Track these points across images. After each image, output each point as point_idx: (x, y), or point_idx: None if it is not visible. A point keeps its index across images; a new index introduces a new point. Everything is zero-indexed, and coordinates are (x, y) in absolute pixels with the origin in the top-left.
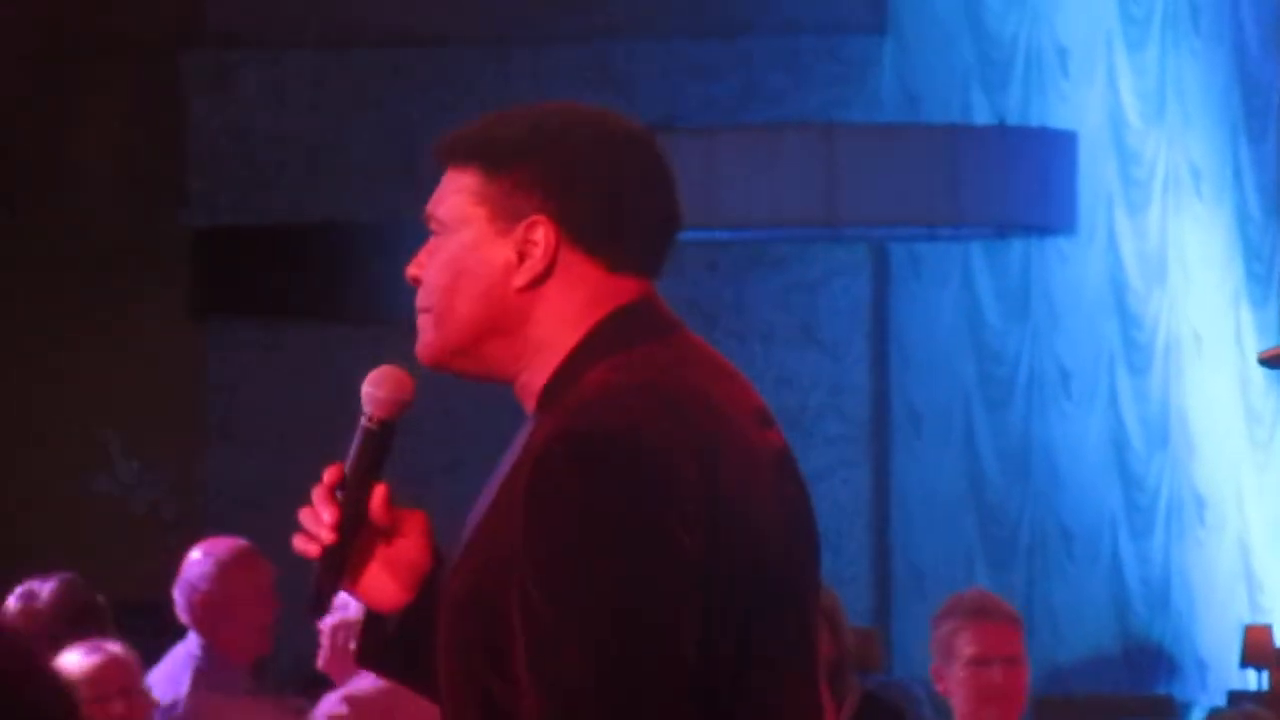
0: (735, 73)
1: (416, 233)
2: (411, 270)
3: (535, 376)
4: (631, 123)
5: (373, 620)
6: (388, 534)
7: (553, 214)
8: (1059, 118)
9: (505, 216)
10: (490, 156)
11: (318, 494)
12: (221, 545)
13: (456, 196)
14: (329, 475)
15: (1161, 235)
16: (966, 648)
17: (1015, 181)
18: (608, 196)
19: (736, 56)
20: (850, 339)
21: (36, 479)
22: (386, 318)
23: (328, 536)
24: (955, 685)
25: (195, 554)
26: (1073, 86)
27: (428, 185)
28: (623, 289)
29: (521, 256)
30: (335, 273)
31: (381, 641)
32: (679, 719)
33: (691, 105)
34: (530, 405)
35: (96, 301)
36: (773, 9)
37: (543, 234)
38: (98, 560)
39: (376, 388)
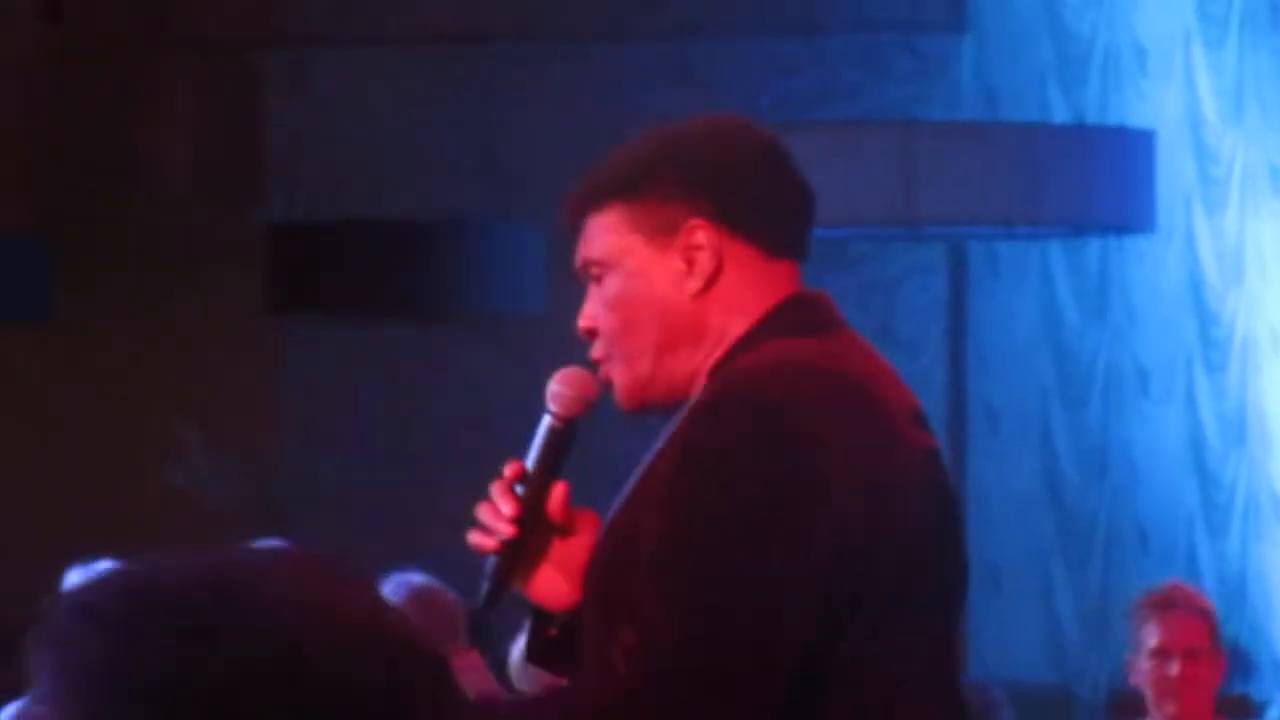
0: (812, 69)
1: (495, 230)
2: (584, 323)
3: (705, 365)
4: (743, 117)
5: (540, 617)
6: (562, 532)
7: (706, 213)
8: (1137, 116)
9: (661, 232)
10: (626, 185)
11: (498, 488)
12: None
13: (607, 234)
14: (510, 470)
15: (1239, 234)
16: (1149, 639)
17: (1093, 180)
18: (752, 182)
19: (814, 53)
20: (928, 337)
21: (114, 471)
22: (465, 315)
23: (507, 530)
24: (1141, 678)
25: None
26: (1151, 85)
27: (505, 182)
28: (786, 274)
29: (689, 263)
30: (412, 270)
31: (548, 639)
32: (762, 691)
33: (768, 102)
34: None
35: (174, 297)
36: (851, 6)
37: (703, 235)
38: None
39: (564, 386)
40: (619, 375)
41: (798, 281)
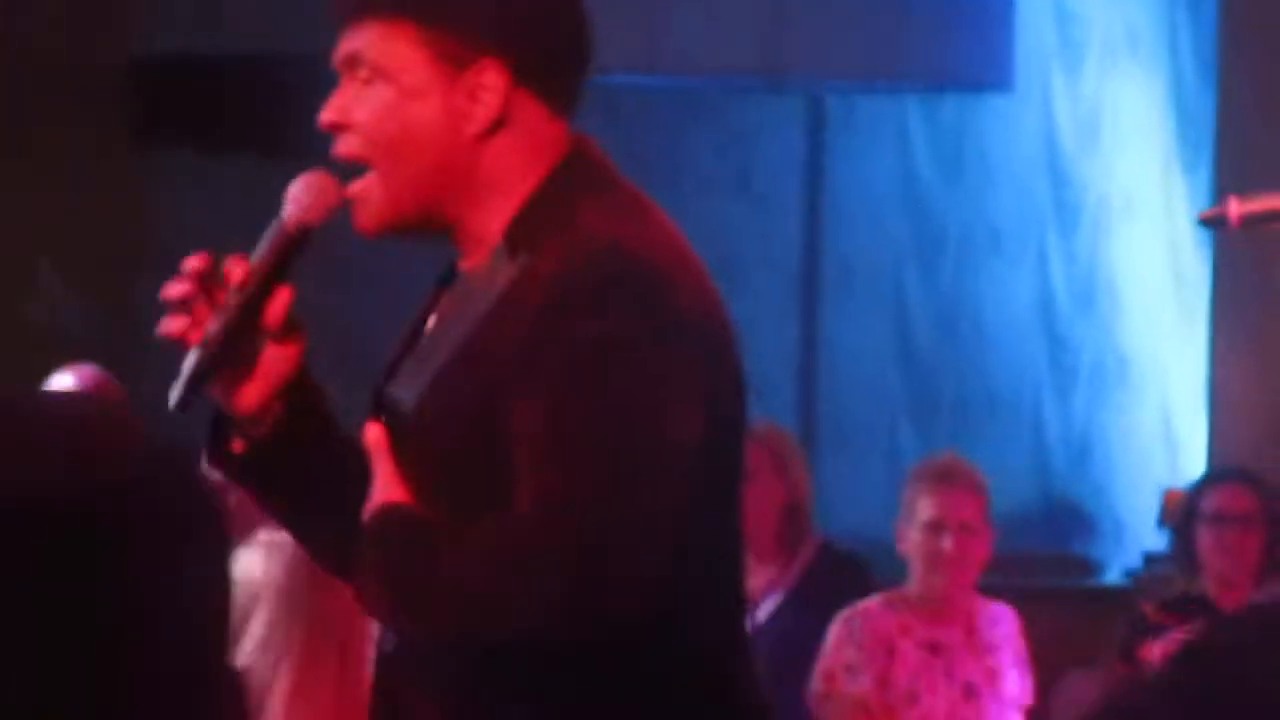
0: None
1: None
2: (332, 116)
3: (486, 218)
4: None
5: (224, 425)
6: (271, 339)
7: (503, 56)
8: None
9: (452, 61)
10: (425, 3)
11: (215, 279)
12: (82, 373)
13: (392, 43)
14: (236, 268)
15: (1096, 97)
16: (923, 512)
17: (953, 36)
18: (556, 36)
19: None
20: (784, 192)
21: None
22: (323, 152)
23: (215, 331)
24: (912, 548)
25: (61, 379)
26: None
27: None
28: (562, 133)
29: (472, 102)
30: (274, 105)
31: (229, 452)
32: (670, 529)
33: None
34: (478, 246)
35: (34, 128)
36: None
37: (493, 77)
38: (28, 384)
39: (304, 191)
40: (374, 194)
41: (580, 141)
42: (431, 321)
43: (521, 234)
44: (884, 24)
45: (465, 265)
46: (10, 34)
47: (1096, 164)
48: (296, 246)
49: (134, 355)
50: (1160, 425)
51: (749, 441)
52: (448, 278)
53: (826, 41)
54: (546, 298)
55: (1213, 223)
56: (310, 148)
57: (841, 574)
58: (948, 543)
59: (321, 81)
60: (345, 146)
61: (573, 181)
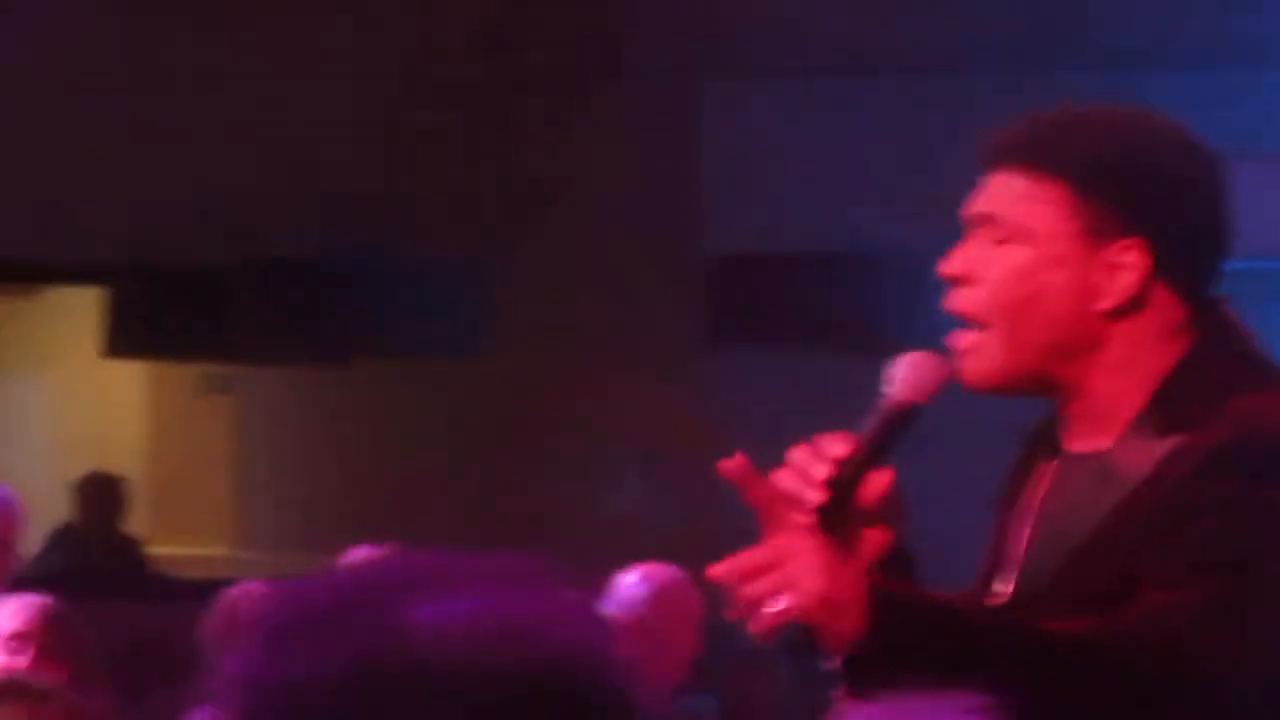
0: (1254, 101)
1: (932, 264)
2: (956, 269)
3: (1113, 394)
4: (1207, 144)
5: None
6: (864, 522)
7: (1148, 240)
8: None
9: (1096, 233)
10: (1083, 171)
11: (821, 464)
12: (657, 572)
13: (1040, 204)
14: (841, 446)
15: None
16: None
17: None
18: (1202, 227)
19: (1256, 85)
20: None
21: (552, 496)
22: (902, 348)
23: (812, 501)
24: None
25: (631, 578)
26: None
27: (945, 216)
28: (1195, 314)
29: (1109, 279)
30: (852, 302)
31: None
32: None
33: (1209, 134)
34: (1098, 420)
35: (615, 323)
36: None
37: (1136, 259)
38: (607, 579)
39: (910, 369)
40: (988, 352)
41: (1224, 321)
42: (1039, 497)
43: (1166, 412)
44: None
45: (1077, 441)
46: (592, 234)
47: None
48: (901, 426)
49: (716, 555)
50: None
51: None
52: (1037, 445)
53: None
54: (1199, 464)
55: None
56: (884, 346)
57: None
58: None
59: (889, 278)
60: (964, 302)
61: (1214, 359)
